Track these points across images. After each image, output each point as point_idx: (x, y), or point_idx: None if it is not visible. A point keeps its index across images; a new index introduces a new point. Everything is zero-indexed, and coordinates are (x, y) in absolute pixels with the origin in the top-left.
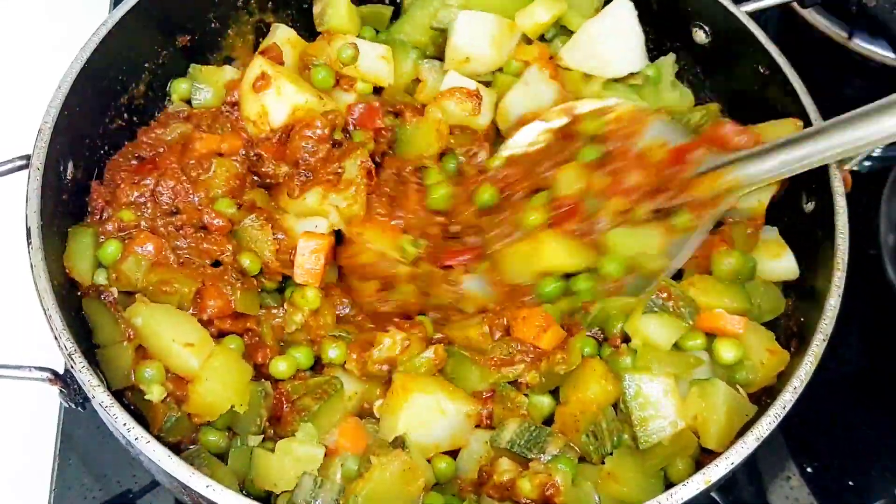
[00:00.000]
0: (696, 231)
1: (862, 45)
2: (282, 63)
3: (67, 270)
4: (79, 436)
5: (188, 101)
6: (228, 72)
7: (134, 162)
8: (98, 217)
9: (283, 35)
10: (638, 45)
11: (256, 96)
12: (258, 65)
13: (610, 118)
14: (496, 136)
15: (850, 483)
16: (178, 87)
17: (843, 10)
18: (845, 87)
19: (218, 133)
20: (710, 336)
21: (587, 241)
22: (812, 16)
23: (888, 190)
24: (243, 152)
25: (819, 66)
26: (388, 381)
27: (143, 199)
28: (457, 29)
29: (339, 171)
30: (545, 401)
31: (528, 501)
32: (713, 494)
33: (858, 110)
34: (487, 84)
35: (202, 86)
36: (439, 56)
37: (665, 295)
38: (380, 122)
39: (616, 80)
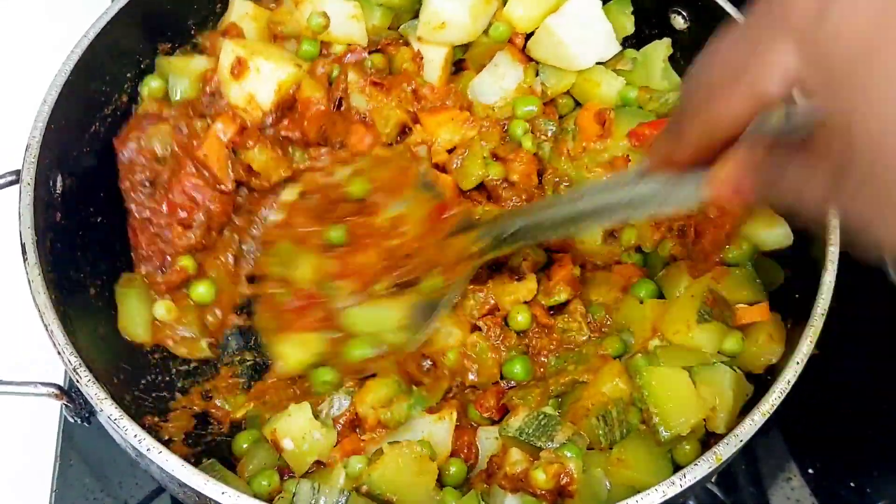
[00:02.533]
0: (448, 291)
1: None
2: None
3: (125, 336)
4: (80, 435)
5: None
6: (199, 61)
7: (147, 186)
8: (150, 266)
9: (241, 10)
10: (603, 33)
11: (238, 83)
12: (230, 50)
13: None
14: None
15: (852, 484)
16: (150, 85)
17: None
18: None
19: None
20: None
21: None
22: None
23: None
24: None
25: None
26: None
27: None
28: None
29: None
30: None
31: (543, 492)
32: (716, 493)
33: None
34: (462, 62)
35: (178, 78)
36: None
37: (712, 300)
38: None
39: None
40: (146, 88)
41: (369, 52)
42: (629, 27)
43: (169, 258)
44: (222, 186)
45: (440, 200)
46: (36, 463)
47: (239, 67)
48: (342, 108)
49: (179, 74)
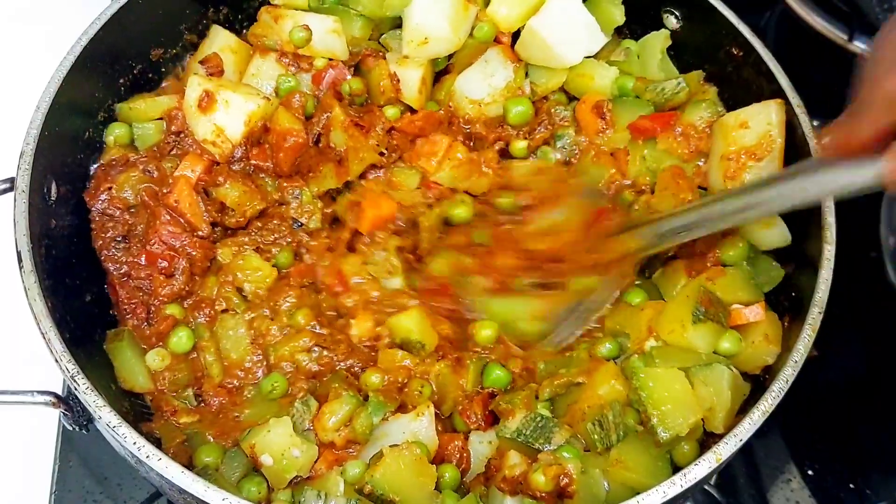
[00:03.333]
0: (599, 291)
1: (862, 46)
2: (222, 72)
3: (124, 386)
4: (80, 438)
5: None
6: (161, 101)
7: (121, 241)
8: (136, 319)
9: (222, 41)
10: (586, 28)
11: (206, 117)
12: (196, 84)
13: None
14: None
15: (851, 486)
16: (114, 133)
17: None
18: (846, 88)
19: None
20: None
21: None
22: (812, 17)
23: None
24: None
25: (819, 67)
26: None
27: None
28: (413, 9)
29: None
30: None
31: (543, 495)
32: (715, 495)
33: (780, 172)
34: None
35: (140, 124)
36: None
37: (706, 300)
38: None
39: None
40: (111, 136)
41: (349, 67)
42: (619, 18)
43: (153, 309)
44: (199, 232)
45: (601, 206)
46: (35, 465)
47: (207, 100)
48: (320, 144)
49: (142, 119)
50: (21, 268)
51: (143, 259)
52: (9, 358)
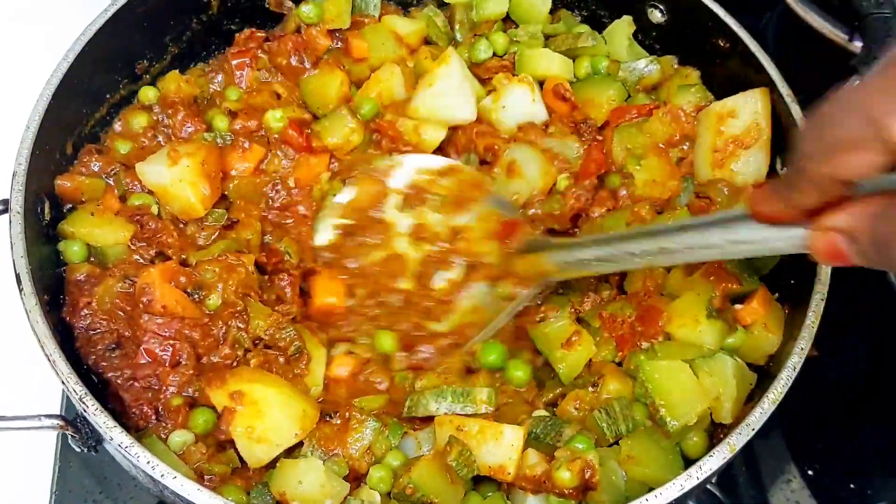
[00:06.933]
0: (513, 302)
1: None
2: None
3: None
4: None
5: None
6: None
7: (115, 349)
8: (145, 421)
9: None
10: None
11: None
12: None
13: (451, 181)
14: None
15: (852, 486)
16: (71, 249)
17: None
18: None
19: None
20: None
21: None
22: (812, 17)
23: None
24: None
25: (819, 67)
26: None
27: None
28: None
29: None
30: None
31: (570, 491)
32: (717, 494)
33: (699, 218)
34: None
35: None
36: None
37: (716, 299)
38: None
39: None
40: (69, 253)
41: None
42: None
43: (161, 406)
44: (195, 319)
45: (510, 219)
46: (35, 465)
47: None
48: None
49: (99, 239)
50: (21, 290)
51: (144, 358)
52: (8, 380)
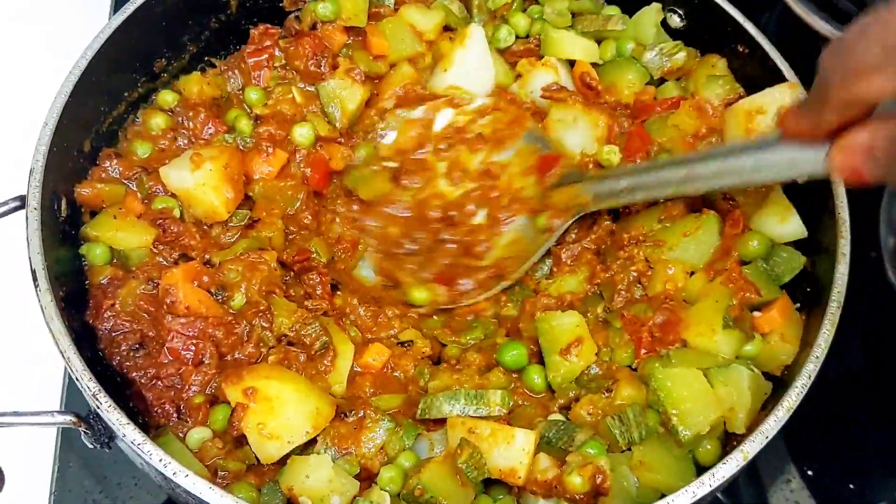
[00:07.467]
0: (551, 234)
1: None
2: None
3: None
4: (79, 437)
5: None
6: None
7: (139, 349)
8: (166, 419)
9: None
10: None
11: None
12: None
13: (489, 120)
14: None
15: (851, 486)
16: (94, 253)
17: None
18: None
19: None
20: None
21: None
22: (812, 17)
23: (888, 192)
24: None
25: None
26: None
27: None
28: None
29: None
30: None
31: (581, 496)
32: (718, 495)
33: (728, 145)
34: None
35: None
36: None
37: (736, 308)
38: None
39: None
40: (92, 256)
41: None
42: None
43: (182, 405)
44: (219, 318)
45: (549, 154)
46: (35, 465)
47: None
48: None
49: (122, 242)
50: (37, 286)
51: (167, 357)
52: (8, 378)
